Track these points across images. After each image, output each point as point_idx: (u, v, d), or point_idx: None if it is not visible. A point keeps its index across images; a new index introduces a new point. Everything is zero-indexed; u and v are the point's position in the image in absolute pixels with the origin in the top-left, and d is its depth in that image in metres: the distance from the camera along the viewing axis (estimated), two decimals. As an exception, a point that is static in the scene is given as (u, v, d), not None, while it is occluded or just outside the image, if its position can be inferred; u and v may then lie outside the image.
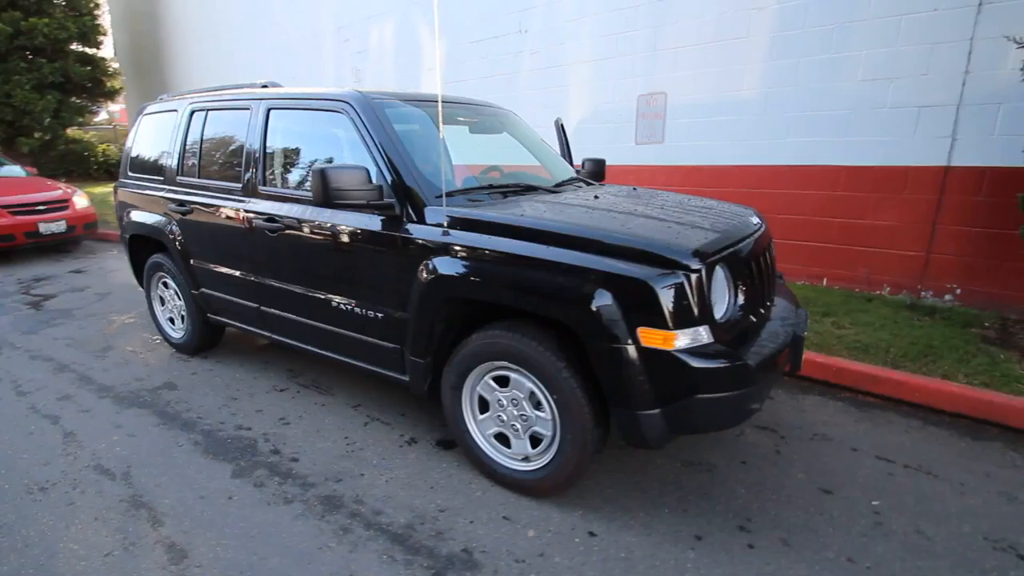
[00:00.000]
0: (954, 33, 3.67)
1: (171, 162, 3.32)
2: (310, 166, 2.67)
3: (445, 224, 2.11)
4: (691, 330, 1.75)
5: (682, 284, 1.74)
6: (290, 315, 2.80)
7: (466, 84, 6.77)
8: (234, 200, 2.89)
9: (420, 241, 2.18)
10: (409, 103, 2.65)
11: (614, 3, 5.34)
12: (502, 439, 2.21)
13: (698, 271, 1.76)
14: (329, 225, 2.47)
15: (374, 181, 2.30)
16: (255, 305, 2.97)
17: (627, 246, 1.82)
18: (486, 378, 2.16)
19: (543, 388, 1.98)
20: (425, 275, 2.16)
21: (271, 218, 2.68)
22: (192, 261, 3.24)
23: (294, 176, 2.72)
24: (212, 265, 3.13)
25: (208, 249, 3.14)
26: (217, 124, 3.12)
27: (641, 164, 5.44)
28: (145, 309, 4.61)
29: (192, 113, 3.22)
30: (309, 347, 2.81)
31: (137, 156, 3.69)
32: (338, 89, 2.56)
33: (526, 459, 2.15)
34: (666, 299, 1.72)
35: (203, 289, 3.27)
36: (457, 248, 2.08)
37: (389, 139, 2.35)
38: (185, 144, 3.24)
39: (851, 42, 4.08)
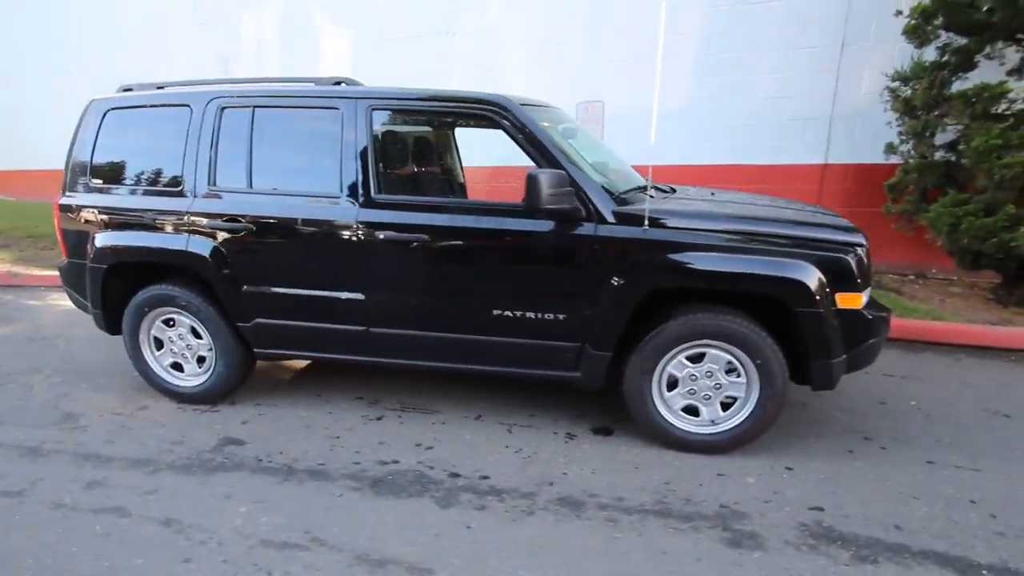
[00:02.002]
0: (827, 65, 5.02)
1: (194, 169, 2.68)
2: (447, 171, 2.52)
3: (646, 223, 2.30)
4: (866, 292, 2.31)
5: (861, 258, 2.28)
6: (420, 332, 2.59)
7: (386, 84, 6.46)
8: (334, 211, 2.53)
9: (617, 240, 2.32)
10: None
11: (548, 13, 5.76)
12: (687, 410, 2.50)
13: (865, 246, 2.33)
14: (495, 231, 2.40)
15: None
16: (360, 328, 2.64)
17: (816, 231, 2.30)
18: (680, 357, 2.42)
19: (746, 357, 2.33)
20: (626, 272, 2.31)
21: (408, 228, 2.45)
22: (246, 287, 2.68)
23: (434, 182, 2.53)
24: (285, 288, 2.66)
25: (279, 270, 2.66)
26: (277, 124, 2.65)
27: (584, 164, 5.99)
28: (60, 363, 3.54)
29: (223, 110, 2.66)
30: (438, 364, 2.65)
31: (108, 162, 2.84)
32: (478, 92, 2.48)
33: (712, 423, 2.48)
34: (855, 270, 2.24)
35: (259, 320, 2.73)
36: (666, 243, 2.29)
37: (556, 143, 2.41)
38: (218, 148, 2.66)
39: (756, 67, 5.22)
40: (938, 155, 4.26)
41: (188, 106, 2.71)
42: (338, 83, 2.68)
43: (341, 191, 2.54)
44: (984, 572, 1.82)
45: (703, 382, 2.43)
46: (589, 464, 2.45)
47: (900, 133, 4.48)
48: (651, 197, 2.45)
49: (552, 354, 2.52)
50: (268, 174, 2.65)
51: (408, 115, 2.61)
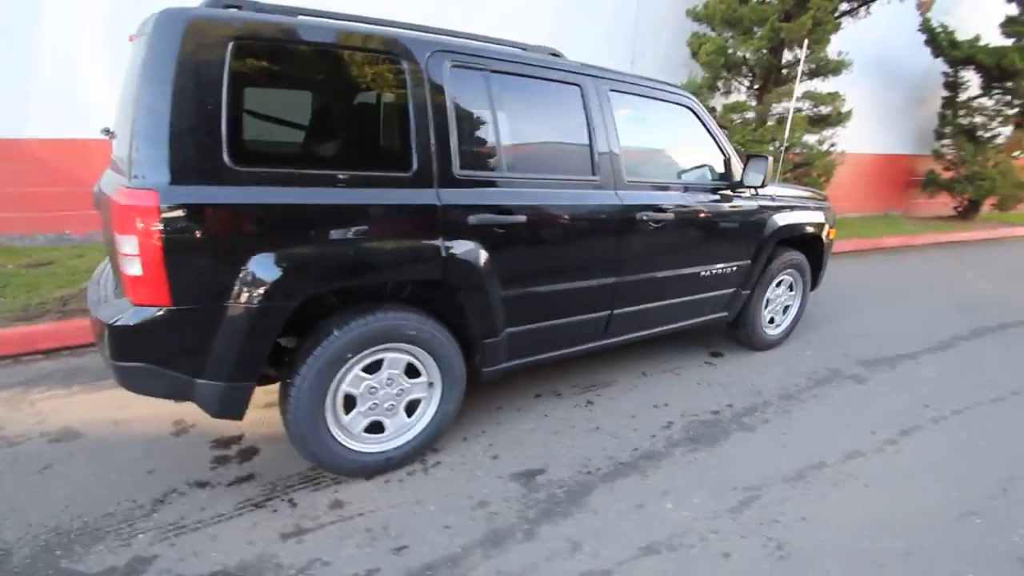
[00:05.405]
0: (625, 76, 6.74)
1: (430, 147, 1.93)
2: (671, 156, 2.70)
3: (773, 195, 3.22)
4: (831, 228, 3.92)
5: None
6: (649, 305, 2.78)
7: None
8: (598, 196, 2.38)
9: (768, 207, 3.17)
10: None
11: None
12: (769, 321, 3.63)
13: (825, 201, 3.92)
14: (718, 204, 2.87)
15: (716, 169, 2.99)
16: (605, 313, 2.59)
17: (815, 192, 3.73)
18: (772, 285, 3.48)
19: (799, 276, 3.61)
20: (770, 228, 3.19)
21: (658, 208, 2.58)
22: (505, 293, 2.18)
23: (664, 165, 2.65)
24: (548, 287, 2.32)
25: (543, 268, 2.29)
26: (515, 96, 2.20)
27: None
28: (39, 511, 1.87)
29: (452, 69, 2.00)
30: (649, 332, 2.91)
31: (259, 131, 1.66)
32: (677, 85, 2.76)
33: (778, 326, 3.69)
34: (834, 215, 3.80)
35: (509, 329, 2.27)
36: (785, 208, 3.27)
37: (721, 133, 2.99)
38: (458, 120, 2.00)
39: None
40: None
41: (399, 55, 1.90)
42: (554, 54, 2.43)
43: (596, 174, 2.42)
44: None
45: (780, 299, 3.61)
46: (748, 375, 3.26)
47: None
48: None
49: (720, 301, 3.19)
50: (515, 155, 2.21)
51: (633, 100, 2.59)
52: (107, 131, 2.12)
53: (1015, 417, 2.92)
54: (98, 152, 4.68)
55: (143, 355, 1.65)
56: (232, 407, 1.79)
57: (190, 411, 2.41)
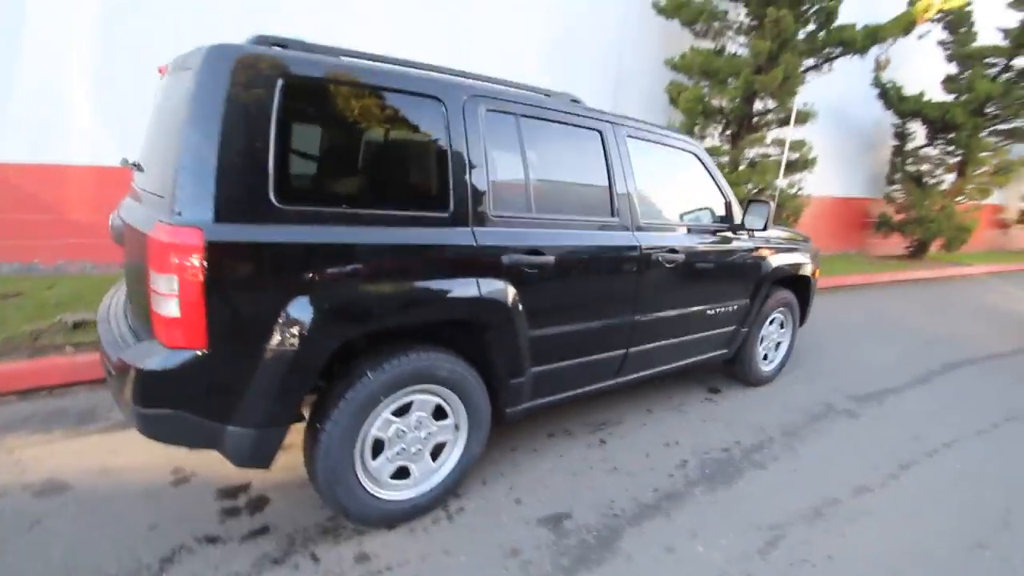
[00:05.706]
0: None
1: (466, 188, 1.95)
2: (681, 199, 2.81)
3: (768, 237, 3.36)
4: (813, 269, 4.11)
5: (814, 248, 4.07)
6: (659, 343, 2.82)
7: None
8: (618, 237, 2.44)
9: (763, 248, 3.30)
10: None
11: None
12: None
13: (808, 242, 4.13)
14: (718, 244, 3.01)
15: (717, 213, 3.11)
16: (621, 352, 2.61)
17: (802, 235, 3.92)
18: (766, 322, 3.60)
19: (790, 314, 3.75)
20: (767, 268, 3.32)
21: (669, 249, 2.64)
22: (533, 333, 2.17)
23: (674, 207, 2.74)
24: (572, 327, 2.33)
25: (568, 308, 2.30)
26: (542, 140, 2.25)
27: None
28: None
29: (486, 112, 2.04)
30: (652, 370, 2.92)
31: (306, 168, 1.63)
32: (686, 135, 2.90)
33: (771, 362, 3.80)
34: (818, 257, 4.00)
35: (533, 369, 2.26)
36: (782, 249, 3.42)
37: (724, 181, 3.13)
38: (490, 162, 2.03)
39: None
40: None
41: (438, 99, 1.92)
42: (575, 100, 2.51)
43: (615, 216, 2.48)
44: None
45: (773, 336, 3.73)
46: (748, 411, 3.34)
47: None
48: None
49: (722, 338, 3.27)
50: (543, 197, 2.24)
51: (645, 146, 2.68)
52: (127, 162, 2.04)
53: (1000, 448, 3.08)
54: (76, 179, 4.49)
55: (173, 401, 1.55)
56: (263, 455, 1.70)
57: (188, 458, 2.29)
